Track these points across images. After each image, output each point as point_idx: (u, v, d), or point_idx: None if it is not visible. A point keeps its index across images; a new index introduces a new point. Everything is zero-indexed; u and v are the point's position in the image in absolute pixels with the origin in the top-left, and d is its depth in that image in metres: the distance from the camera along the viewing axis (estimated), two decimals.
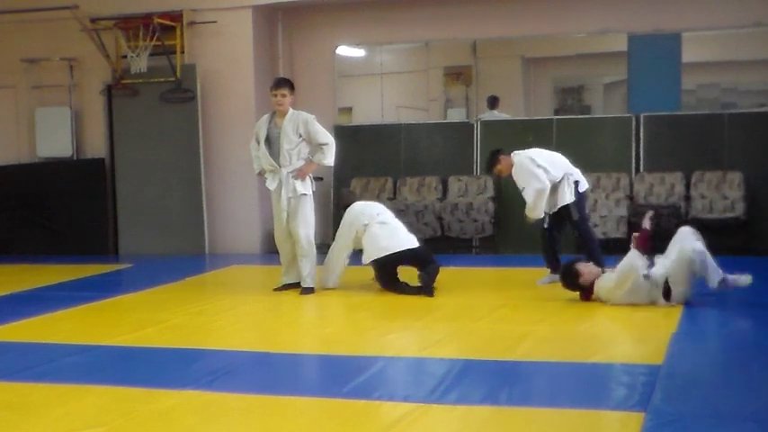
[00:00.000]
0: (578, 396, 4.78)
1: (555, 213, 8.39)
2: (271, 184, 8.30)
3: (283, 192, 8.23)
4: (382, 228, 8.26)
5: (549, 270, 8.50)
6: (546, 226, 8.45)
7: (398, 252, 8.12)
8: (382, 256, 8.11)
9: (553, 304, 7.49)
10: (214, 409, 4.76)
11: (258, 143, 8.41)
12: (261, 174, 8.49)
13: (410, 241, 8.32)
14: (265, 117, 8.46)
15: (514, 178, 8.39)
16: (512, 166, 8.41)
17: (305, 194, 8.25)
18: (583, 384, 5.06)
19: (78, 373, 5.61)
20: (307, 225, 8.28)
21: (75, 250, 11.73)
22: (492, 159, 8.65)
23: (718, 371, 5.34)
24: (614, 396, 4.81)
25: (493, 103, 12.06)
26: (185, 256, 11.35)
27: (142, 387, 5.16)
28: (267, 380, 5.47)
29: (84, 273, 10.12)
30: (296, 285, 8.37)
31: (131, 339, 6.51)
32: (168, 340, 6.51)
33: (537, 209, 8.26)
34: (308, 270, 8.26)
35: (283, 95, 8.20)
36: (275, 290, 8.43)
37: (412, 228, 11.27)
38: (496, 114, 12.05)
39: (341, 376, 5.25)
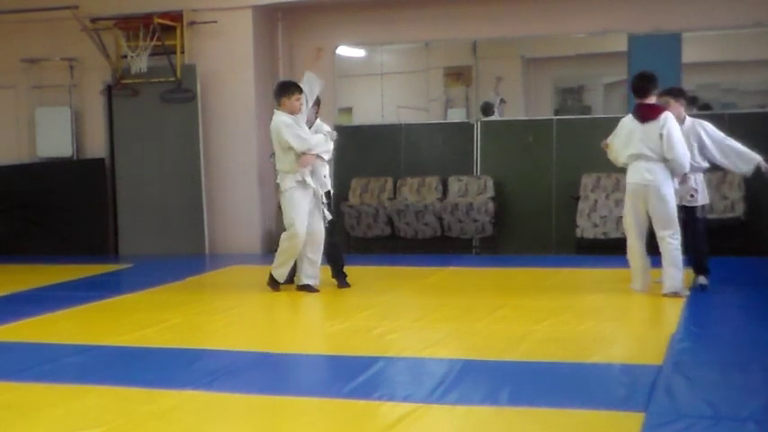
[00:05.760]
0: (578, 396, 4.78)
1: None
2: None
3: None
4: None
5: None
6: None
7: None
8: None
9: (553, 304, 7.49)
10: (214, 409, 4.76)
11: None
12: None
13: None
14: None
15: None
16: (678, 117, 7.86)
17: None
18: (583, 384, 5.05)
19: (78, 373, 5.61)
20: None
21: (75, 250, 11.71)
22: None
23: (718, 371, 5.34)
24: (614, 396, 4.81)
25: (486, 111, 12.01)
26: (185, 256, 11.34)
27: (142, 387, 5.17)
28: (267, 380, 5.48)
29: (84, 273, 10.12)
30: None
31: (131, 339, 6.51)
32: (168, 340, 6.51)
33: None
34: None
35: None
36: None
37: (411, 227, 11.39)
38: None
39: (341, 376, 5.25)
